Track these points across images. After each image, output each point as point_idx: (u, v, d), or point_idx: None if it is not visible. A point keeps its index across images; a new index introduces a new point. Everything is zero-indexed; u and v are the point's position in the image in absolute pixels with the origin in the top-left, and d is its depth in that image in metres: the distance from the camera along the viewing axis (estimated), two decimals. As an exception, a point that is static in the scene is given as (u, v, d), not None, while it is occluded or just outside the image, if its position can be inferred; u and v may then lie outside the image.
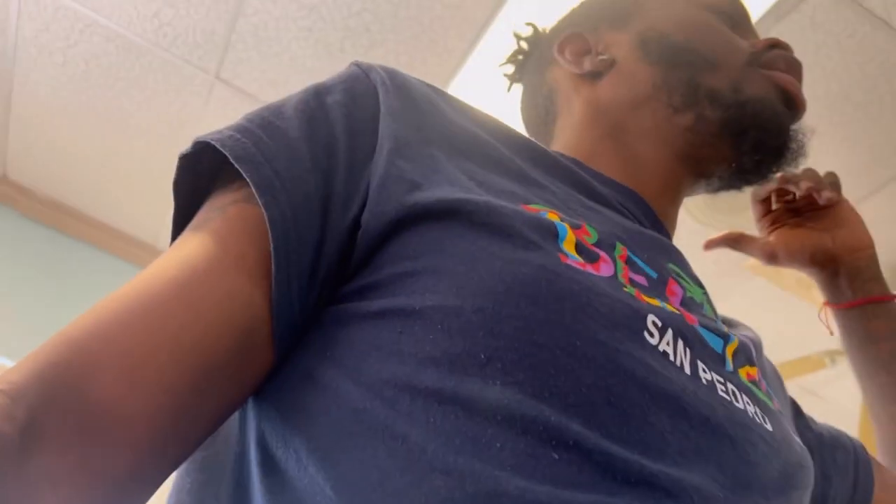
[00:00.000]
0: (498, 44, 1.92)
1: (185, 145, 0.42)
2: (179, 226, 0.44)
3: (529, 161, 0.52)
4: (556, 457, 0.33)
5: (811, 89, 1.84)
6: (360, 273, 0.41)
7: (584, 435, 0.34)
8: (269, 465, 0.37)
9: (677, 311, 0.44)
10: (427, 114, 0.48)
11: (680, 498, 0.34)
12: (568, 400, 0.35)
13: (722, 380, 0.43)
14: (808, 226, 0.78)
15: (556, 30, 0.70)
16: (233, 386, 0.37)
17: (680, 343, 0.42)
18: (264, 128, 0.42)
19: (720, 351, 0.45)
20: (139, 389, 0.33)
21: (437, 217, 0.40)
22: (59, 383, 0.32)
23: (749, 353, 0.49)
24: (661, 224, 0.59)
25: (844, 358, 2.38)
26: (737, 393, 0.43)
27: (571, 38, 0.66)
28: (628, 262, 0.45)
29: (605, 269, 0.43)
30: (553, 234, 0.42)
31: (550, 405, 0.34)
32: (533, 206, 0.44)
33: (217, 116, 2.25)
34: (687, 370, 0.41)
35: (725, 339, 0.46)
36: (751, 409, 0.43)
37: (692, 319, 0.45)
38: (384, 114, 0.45)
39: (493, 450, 0.33)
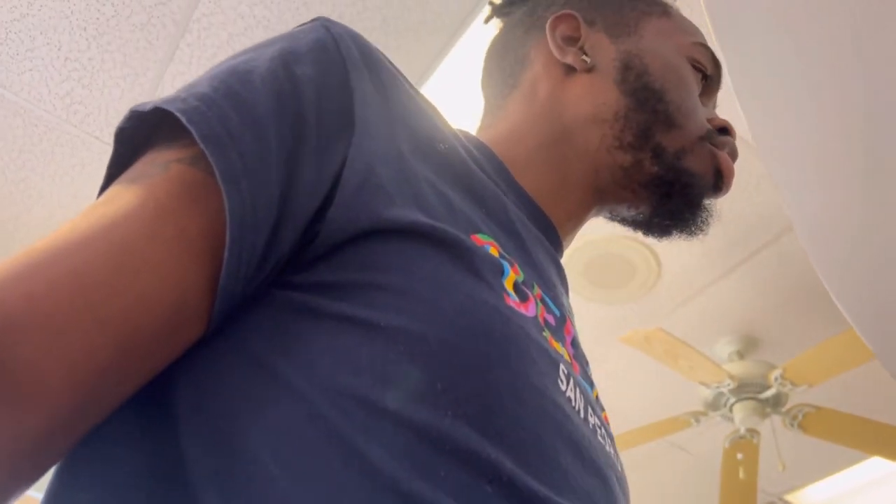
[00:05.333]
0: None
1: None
2: (114, 173, 0.42)
3: (473, 164, 0.52)
4: (490, 490, 0.35)
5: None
6: (319, 266, 0.40)
7: (516, 472, 0.36)
8: (213, 442, 0.36)
9: (569, 360, 0.47)
10: (393, 101, 0.47)
11: None
12: (505, 439, 0.37)
13: (599, 424, 0.46)
14: None
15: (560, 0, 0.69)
16: (157, 356, 0.36)
17: (577, 390, 0.44)
18: (231, 99, 0.40)
19: (591, 395, 0.48)
20: (61, 354, 0.32)
21: (407, 234, 0.41)
22: None
23: (599, 401, 0.52)
24: (561, 251, 0.62)
25: (706, 416, 2.62)
26: (606, 437, 0.47)
27: (569, 18, 0.66)
28: (542, 301, 0.47)
29: (531, 310, 0.45)
30: (499, 271, 0.44)
31: (491, 442, 0.36)
32: (481, 238, 0.45)
33: (124, 190, 2.28)
34: (581, 415, 0.44)
35: (591, 385, 0.51)
36: (612, 451, 0.48)
37: (576, 369, 0.48)
38: (359, 101, 0.43)
39: (439, 478, 0.34)
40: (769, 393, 2.51)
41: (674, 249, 2.36)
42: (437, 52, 1.96)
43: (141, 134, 0.41)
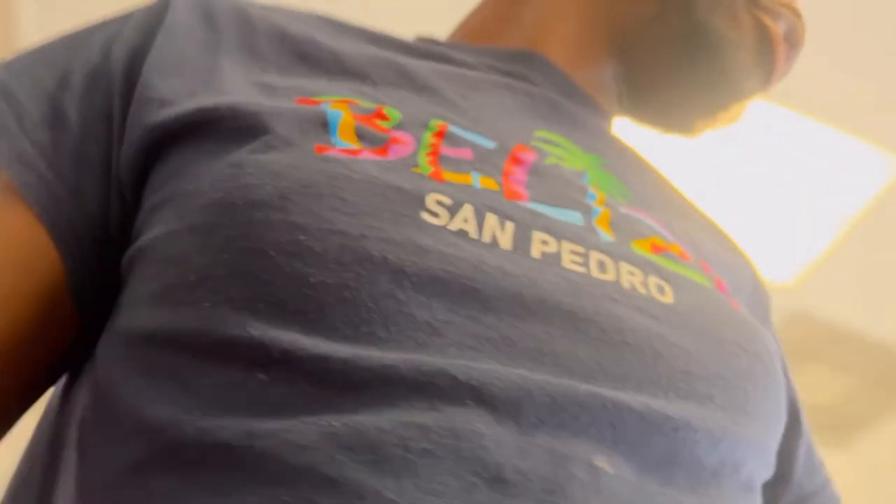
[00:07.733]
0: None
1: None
2: None
3: (395, 51, 0.45)
4: (266, 378, 0.28)
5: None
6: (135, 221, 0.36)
7: (299, 344, 0.28)
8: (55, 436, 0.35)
9: (495, 188, 0.36)
10: (228, 27, 0.41)
11: (427, 390, 0.28)
12: (286, 307, 0.29)
13: (581, 250, 0.35)
14: None
15: None
16: (41, 348, 0.35)
17: (491, 218, 0.34)
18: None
19: (579, 222, 0.37)
20: None
21: (183, 138, 0.35)
22: None
23: (658, 231, 0.40)
24: (572, 85, 0.48)
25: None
26: (606, 263, 0.35)
27: None
28: (447, 137, 0.38)
29: (393, 152, 0.36)
30: (321, 123, 0.36)
31: (259, 317, 0.29)
32: (315, 98, 0.38)
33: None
34: (505, 245, 0.33)
35: (588, 212, 0.38)
36: (635, 279, 0.35)
37: (519, 195, 0.37)
38: (161, 31, 0.39)
39: (192, 391, 0.29)
40: None
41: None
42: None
43: None
